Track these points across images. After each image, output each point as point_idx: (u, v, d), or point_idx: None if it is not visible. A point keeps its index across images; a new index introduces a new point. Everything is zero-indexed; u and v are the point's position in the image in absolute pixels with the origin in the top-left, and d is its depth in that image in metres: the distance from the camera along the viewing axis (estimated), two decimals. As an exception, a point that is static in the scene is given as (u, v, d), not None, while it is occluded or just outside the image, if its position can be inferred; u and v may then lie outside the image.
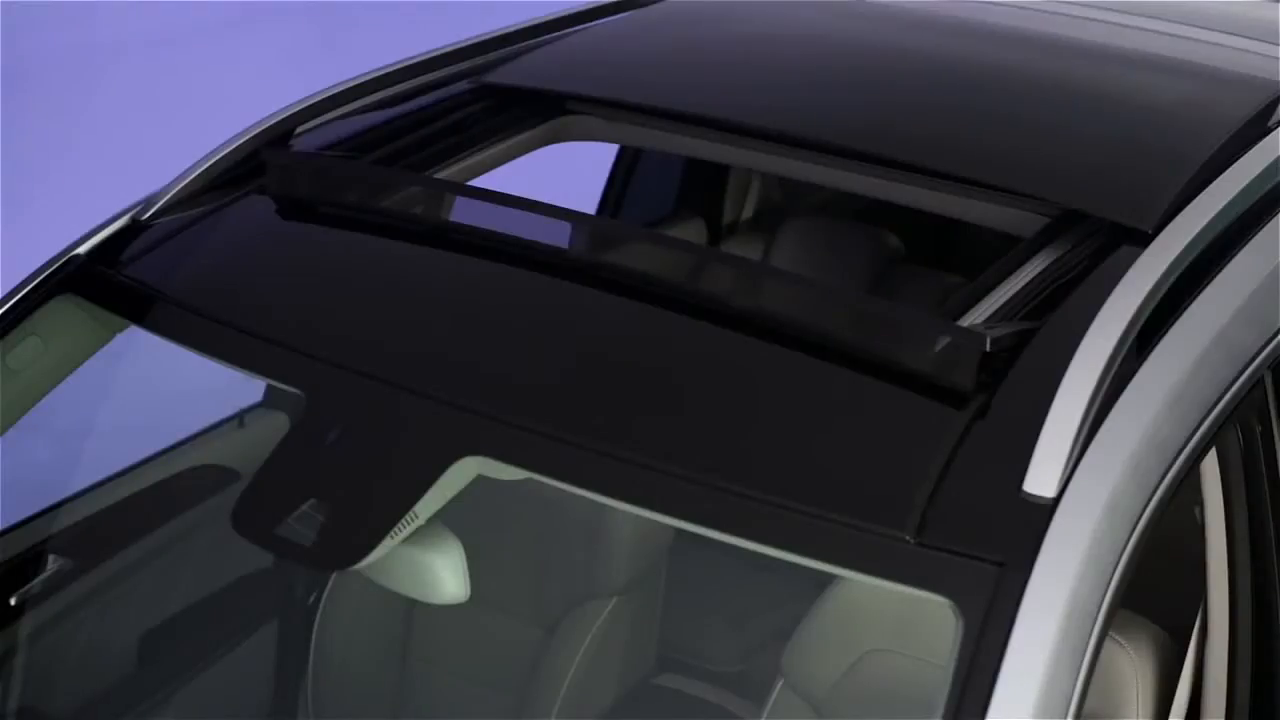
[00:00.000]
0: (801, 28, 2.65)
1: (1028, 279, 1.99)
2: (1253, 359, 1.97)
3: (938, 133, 2.28)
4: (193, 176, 2.28)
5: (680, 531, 1.81)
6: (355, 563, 1.86)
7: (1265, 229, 2.14)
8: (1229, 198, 2.05)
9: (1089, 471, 1.68)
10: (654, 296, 1.95)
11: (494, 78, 2.47)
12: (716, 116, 2.33)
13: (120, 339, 2.25)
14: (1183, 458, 1.77)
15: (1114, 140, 2.26)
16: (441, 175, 2.32)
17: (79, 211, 2.71)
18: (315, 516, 1.86)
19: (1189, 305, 1.93)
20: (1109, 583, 1.64)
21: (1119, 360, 1.76)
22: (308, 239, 2.22)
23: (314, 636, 2.78)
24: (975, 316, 1.89)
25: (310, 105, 2.38)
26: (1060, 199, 2.12)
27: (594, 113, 2.46)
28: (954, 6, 2.94)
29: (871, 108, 2.35)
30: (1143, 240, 1.96)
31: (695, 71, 2.47)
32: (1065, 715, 1.57)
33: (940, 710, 1.58)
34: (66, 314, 2.22)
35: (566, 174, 3.69)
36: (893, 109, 2.34)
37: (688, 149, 2.51)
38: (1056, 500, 1.66)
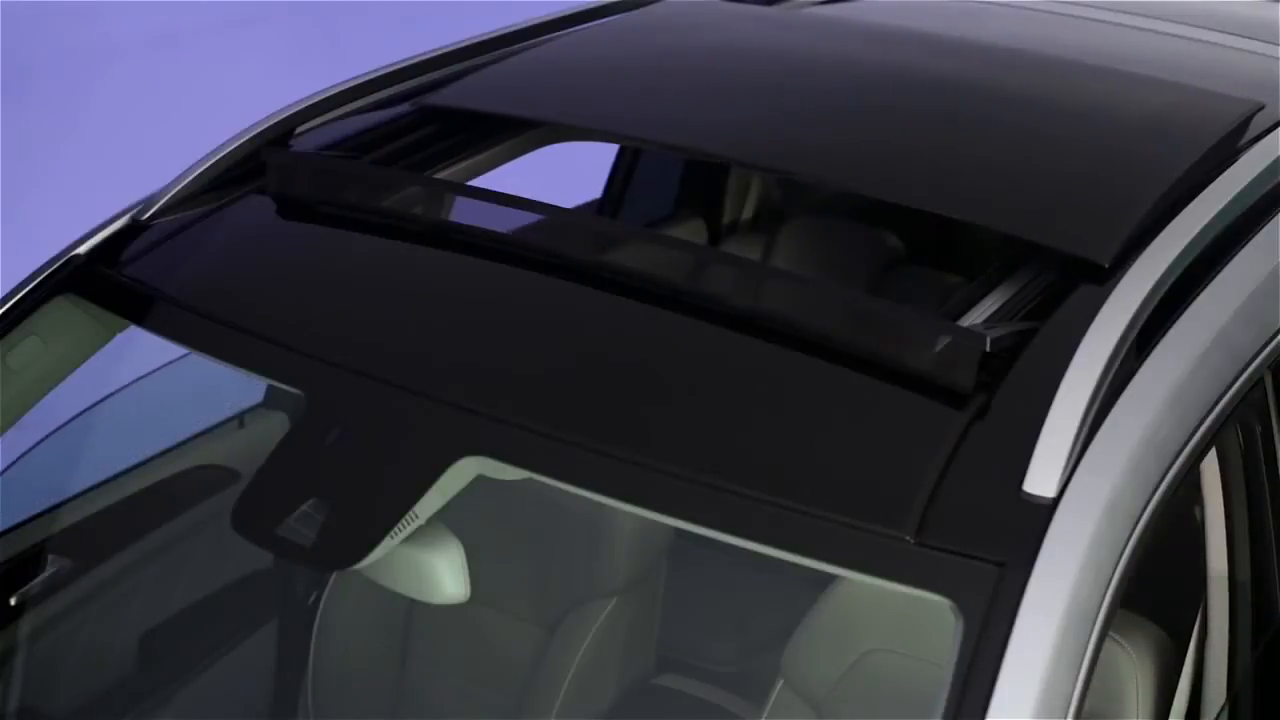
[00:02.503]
0: (768, 44, 2.57)
1: (1028, 279, 1.99)
2: (1252, 359, 1.97)
3: (901, 161, 2.18)
4: (193, 176, 2.28)
5: (680, 531, 1.81)
6: (355, 563, 1.86)
7: (1265, 230, 2.14)
8: (1215, 210, 2.03)
9: (1089, 471, 1.68)
10: (654, 297, 1.95)
11: (443, 99, 2.39)
12: (677, 144, 2.31)
13: (120, 339, 2.25)
14: (1183, 458, 1.77)
15: (1081, 167, 2.17)
16: (441, 175, 2.32)
17: (79, 211, 2.71)
18: (315, 516, 1.86)
19: (1189, 305, 1.93)
20: (1109, 583, 1.64)
21: (1119, 360, 1.76)
22: (308, 239, 2.22)
23: (314, 636, 2.78)
24: (975, 316, 1.89)
25: (310, 105, 2.38)
26: (1022, 233, 2.02)
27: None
28: (944, 12, 2.93)
29: (820, 130, 2.26)
30: (1099, 276, 1.92)
31: (673, 87, 2.41)
32: (1065, 715, 1.57)
33: (940, 710, 1.58)
34: (66, 314, 2.22)
35: (567, 173, 3.69)
36: (843, 131, 2.25)
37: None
38: (1056, 500, 1.66)
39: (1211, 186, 2.08)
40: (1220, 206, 2.01)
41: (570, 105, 2.35)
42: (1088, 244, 1.96)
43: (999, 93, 2.36)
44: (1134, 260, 1.91)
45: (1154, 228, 1.99)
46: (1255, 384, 1.98)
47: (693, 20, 2.67)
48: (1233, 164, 2.15)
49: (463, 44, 2.61)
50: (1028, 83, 2.41)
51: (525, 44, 2.63)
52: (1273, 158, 2.17)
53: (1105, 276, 1.92)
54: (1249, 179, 2.10)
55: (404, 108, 2.42)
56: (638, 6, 2.85)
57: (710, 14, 2.72)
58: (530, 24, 2.69)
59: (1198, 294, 1.95)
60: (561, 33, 2.68)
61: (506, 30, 2.66)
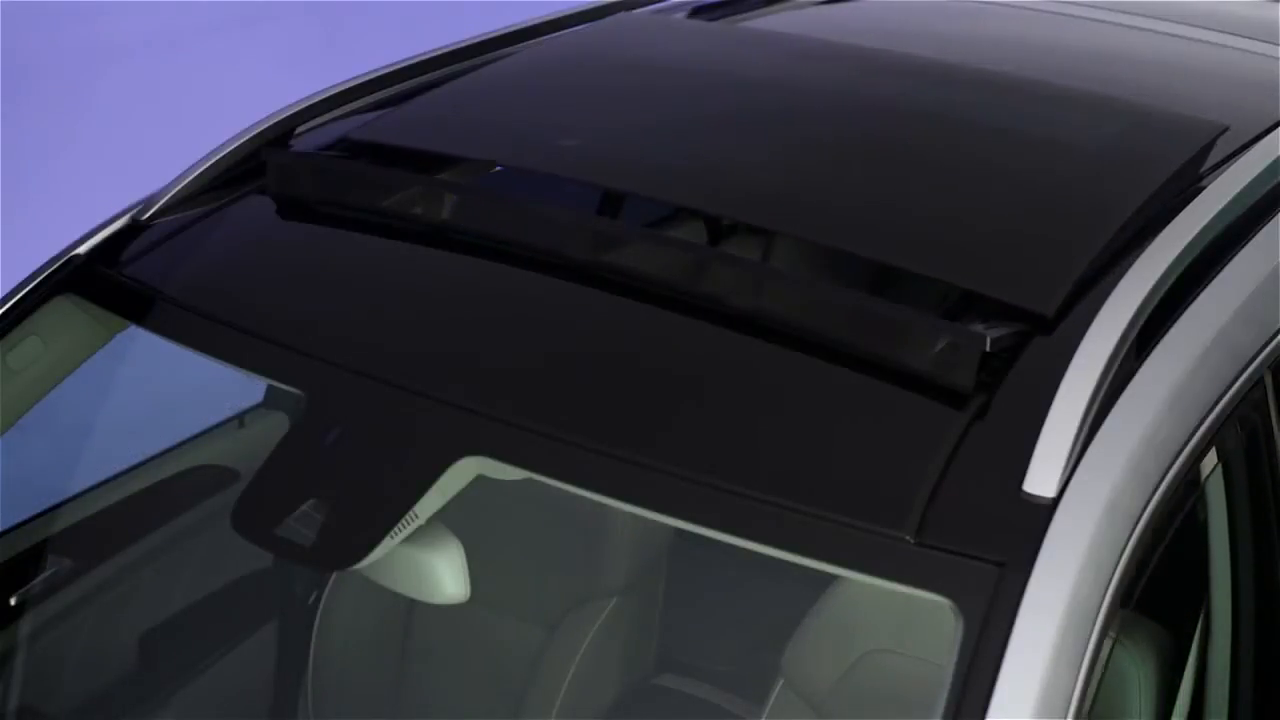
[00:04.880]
0: (705, 66, 2.45)
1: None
2: (1253, 359, 1.97)
3: (835, 201, 2.08)
4: (193, 176, 2.28)
5: (680, 531, 1.81)
6: (355, 563, 1.86)
7: (1265, 230, 2.14)
8: (1214, 210, 2.00)
9: (1089, 471, 1.68)
10: (654, 297, 1.95)
11: (376, 134, 2.28)
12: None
13: (120, 339, 2.25)
14: (1183, 458, 1.77)
15: (1030, 206, 2.06)
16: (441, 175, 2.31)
17: (79, 211, 2.71)
18: (315, 516, 1.86)
19: (1189, 305, 1.93)
20: (1109, 583, 1.64)
21: (1119, 360, 1.76)
22: (308, 239, 2.22)
23: (314, 636, 2.78)
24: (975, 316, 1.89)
25: (310, 105, 2.38)
26: (962, 281, 1.92)
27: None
28: (943, 12, 2.92)
29: (751, 167, 2.15)
30: (1044, 327, 1.85)
31: (617, 115, 2.32)
32: (1065, 715, 1.57)
33: (940, 710, 1.58)
34: (66, 314, 2.22)
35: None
36: (775, 168, 2.14)
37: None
38: (1056, 500, 1.66)
39: (1212, 186, 2.08)
40: (1220, 207, 2.01)
41: (502, 143, 2.26)
42: (1029, 294, 1.87)
43: (945, 120, 2.26)
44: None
45: (1100, 275, 1.92)
46: (1255, 384, 1.98)
47: (644, 39, 2.59)
48: (1196, 195, 2.05)
49: (463, 44, 2.61)
50: (977, 107, 2.30)
51: (524, 43, 2.62)
52: (1272, 158, 2.17)
53: (1088, 288, 1.91)
54: (1249, 179, 2.09)
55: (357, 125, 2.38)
56: (633, 7, 2.85)
57: (657, 32, 2.64)
58: (529, 24, 2.69)
59: (1198, 294, 1.95)
60: (561, 32, 2.68)
61: (505, 30, 2.66)
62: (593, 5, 2.82)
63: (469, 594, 1.93)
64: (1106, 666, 1.68)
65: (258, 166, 2.27)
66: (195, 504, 2.79)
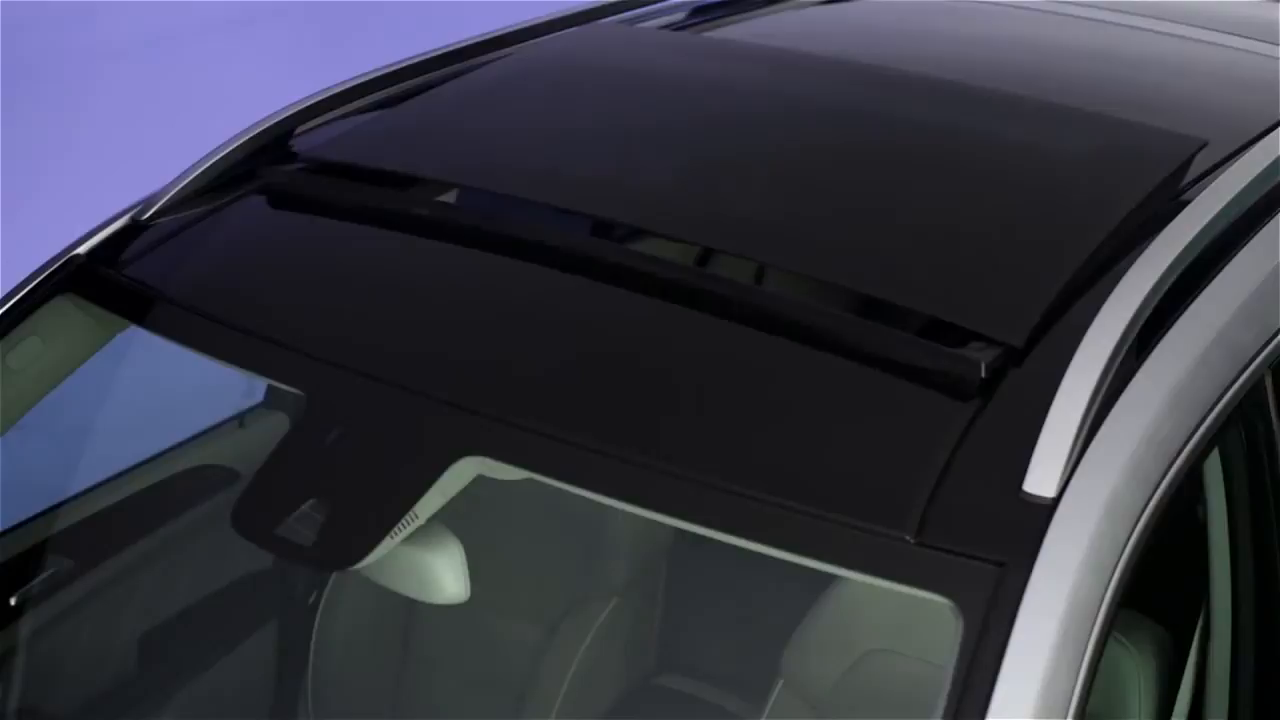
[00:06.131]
0: (664, 81, 2.39)
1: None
2: (1253, 358, 1.97)
3: (794, 222, 2.02)
4: (193, 176, 2.28)
5: (680, 531, 1.81)
6: (355, 563, 1.86)
7: (1265, 230, 2.14)
8: (1214, 210, 2.00)
9: (1089, 471, 1.68)
10: (655, 296, 1.95)
11: (332, 152, 2.24)
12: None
13: (120, 339, 2.25)
14: (1183, 457, 1.77)
15: (999, 230, 2.02)
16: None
17: (79, 211, 2.71)
18: (315, 516, 1.86)
19: (1189, 305, 1.93)
20: (1109, 583, 1.64)
21: (1119, 360, 1.76)
22: (308, 239, 2.22)
23: (314, 636, 2.78)
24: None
25: (310, 105, 2.38)
26: (924, 308, 1.87)
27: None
28: (943, 12, 2.92)
29: (703, 186, 2.10)
30: (1016, 358, 1.82)
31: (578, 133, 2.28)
32: (1065, 715, 1.57)
33: (940, 710, 1.58)
34: (66, 314, 2.22)
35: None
36: (730, 187, 2.10)
37: None
38: (1056, 500, 1.66)
39: (1211, 186, 2.08)
40: (1220, 207, 2.01)
41: (470, 157, 2.24)
42: (996, 323, 1.83)
43: (910, 134, 2.21)
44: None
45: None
46: (1256, 384, 1.97)
47: (616, 49, 2.55)
48: (1176, 215, 2.00)
49: (463, 44, 2.61)
50: (943, 121, 2.25)
51: (510, 49, 2.61)
52: (1272, 159, 2.17)
53: (1086, 289, 1.90)
54: (1249, 179, 2.09)
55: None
56: (637, 6, 2.85)
57: (629, 42, 2.61)
58: (529, 25, 2.69)
59: (1198, 294, 1.95)
60: (559, 33, 2.68)
61: (505, 30, 2.66)
62: (593, 5, 2.82)
63: (469, 594, 1.93)
64: (1106, 666, 1.68)
65: (258, 167, 2.27)
66: (195, 504, 2.79)
